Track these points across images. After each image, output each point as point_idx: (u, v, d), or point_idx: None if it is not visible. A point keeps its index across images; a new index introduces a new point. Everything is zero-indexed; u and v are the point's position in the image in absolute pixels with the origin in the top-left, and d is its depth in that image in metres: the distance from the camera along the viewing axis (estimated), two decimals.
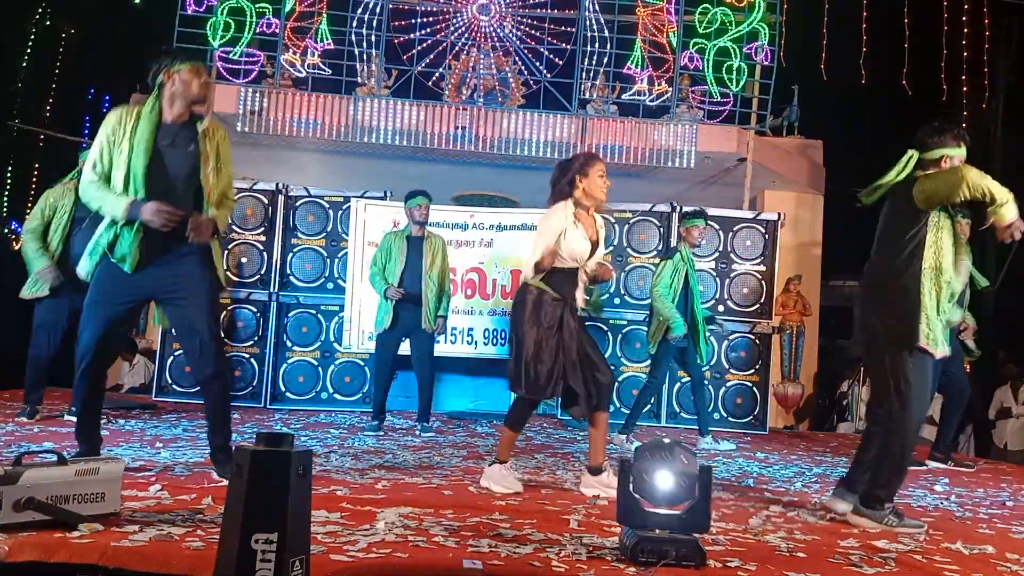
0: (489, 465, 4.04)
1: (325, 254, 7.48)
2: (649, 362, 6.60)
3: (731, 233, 7.76)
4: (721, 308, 7.63)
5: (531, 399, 4.01)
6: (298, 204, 7.51)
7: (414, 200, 6.15)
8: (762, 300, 7.74)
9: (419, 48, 11.11)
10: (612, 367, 7.41)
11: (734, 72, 10.86)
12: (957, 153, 3.76)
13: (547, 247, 3.92)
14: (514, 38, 11.44)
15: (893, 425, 3.67)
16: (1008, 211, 3.50)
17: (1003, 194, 3.51)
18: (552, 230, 3.96)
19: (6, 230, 13.71)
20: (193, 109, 3.62)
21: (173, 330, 3.90)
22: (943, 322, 3.67)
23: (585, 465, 4.20)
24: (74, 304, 5.34)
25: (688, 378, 6.73)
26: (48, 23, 13.83)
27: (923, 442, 8.37)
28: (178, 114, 3.58)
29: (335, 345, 7.37)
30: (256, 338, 7.32)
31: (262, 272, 7.38)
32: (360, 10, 10.91)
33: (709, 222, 7.40)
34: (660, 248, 7.69)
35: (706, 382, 6.64)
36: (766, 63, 11.02)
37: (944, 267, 3.65)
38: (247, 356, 7.30)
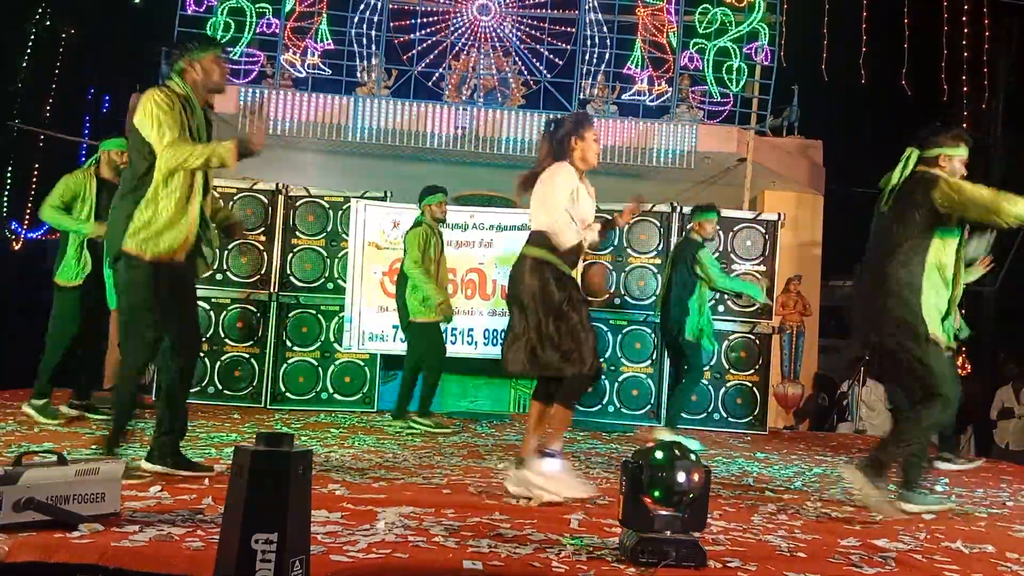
0: (542, 457, 3.66)
1: (325, 254, 7.47)
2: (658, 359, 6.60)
3: (731, 233, 7.75)
4: (721, 308, 7.62)
5: (591, 377, 3.76)
6: (298, 204, 7.51)
7: (435, 197, 6.15)
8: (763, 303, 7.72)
9: (419, 48, 11.12)
10: (612, 367, 7.52)
11: (734, 72, 10.87)
12: (956, 153, 3.79)
13: (582, 221, 3.71)
14: (514, 38, 11.44)
15: (917, 412, 3.74)
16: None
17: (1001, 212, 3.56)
18: (566, 187, 3.69)
19: (6, 230, 13.71)
20: (208, 97, 3.69)
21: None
22: (946, 318, 3.69)
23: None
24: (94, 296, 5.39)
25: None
26: (48, 23, 13.84)
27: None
28: (200, 102, 3.67)
29: (335, 345, 7.36)
30: (256, 338, 7.32)
31: (262, 272, 7.37)
32: (360, 10, 10.92)
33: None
34: (660, 248, 7.68)
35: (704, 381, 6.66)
36: (766, 63, 11.03)
37: (946, 263, 3.68)
38: (247, 356, 7.29)
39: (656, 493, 2.66)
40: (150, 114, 3.53)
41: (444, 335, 6.48)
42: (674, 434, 6.08)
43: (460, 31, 11.46)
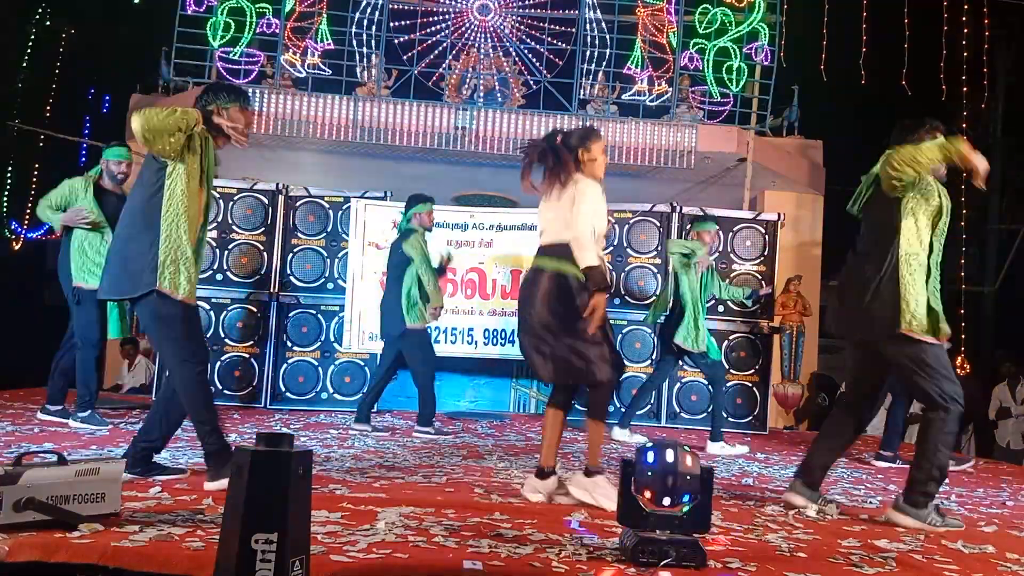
0: (588, 475, 3.68)
1: (325, 254, 7.47)
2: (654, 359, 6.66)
3: (731, 233, 7.75)
4: (721, 308, 7.62)
5: (614, 383, 3.76)
6: (298, 204, 7.51)
7: (424, 205, 6.11)
8: (762, 300, 7.72)
9: (419, 48, 11.12)
10: None
11: (734, 72, 10.88)
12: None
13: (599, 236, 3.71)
14: (514, 38, 11.44)
15: (931, 417, 3.67)
16: (958, 152, 3.55)
17: (940, 150, 3.55)
18: (601, 206, 3.71)
19: (6, 230, 13.71)
20: (226, 141, 3.72)
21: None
22: (934, 307, 3.66)
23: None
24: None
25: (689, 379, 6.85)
26: (48, 23, 13.84)
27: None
28: (216, 146, 3.72)
29: (335, 345, 7.36)
30: (256, 338, 7.32)
31: (262, 272, 7.37)
32: (360, 10, 10.93)
33: None
34: (660, 248, 7.68)
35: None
36: (766, 63, 11.04)
37: (919, 251, 3.66)
38: (247, 356, 7.30)
39: (651, 491, 2.67)
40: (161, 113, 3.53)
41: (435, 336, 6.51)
42: (631, 433, 6.25)
43: (460, 31, 11.46)
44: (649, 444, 2.76)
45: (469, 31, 11.48)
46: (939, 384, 3.64)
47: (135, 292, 3.56)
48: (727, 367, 7.63)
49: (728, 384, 7.65)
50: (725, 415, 7.56)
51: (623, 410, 6.60)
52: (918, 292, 3.64)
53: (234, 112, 3.69)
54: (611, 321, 7.49)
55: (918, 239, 3.67)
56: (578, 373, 3.68)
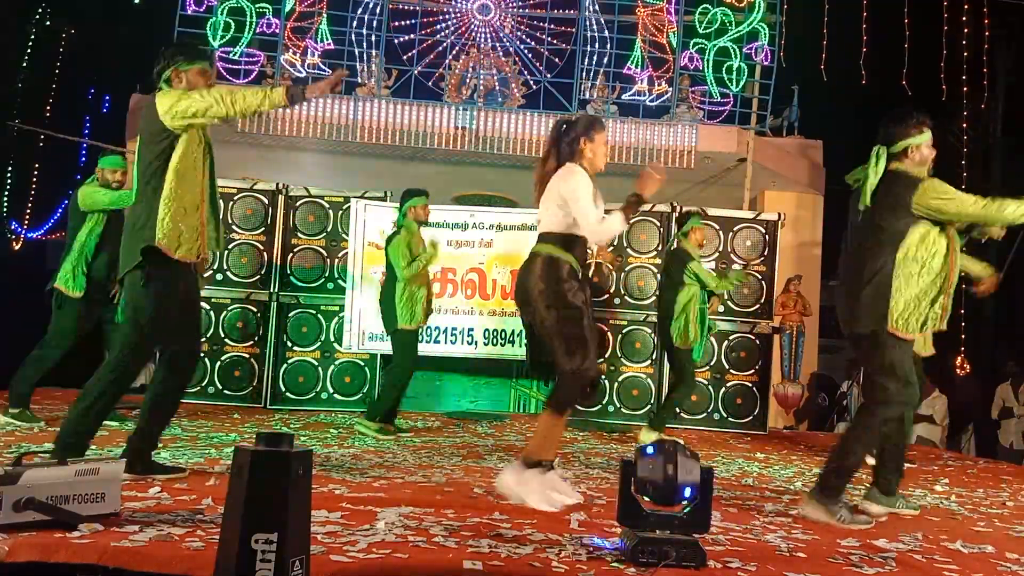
0: (529, 467, 3.57)
1: (325, 254, 7.47)
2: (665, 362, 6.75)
3: (731, 233, 7.75)
4: (721, 308, 7.62)
5: (592, 378, 3.66)
6: (298, 204, 7.51)
7: (419, 199, 6.08)
8: (762, 300, 7.73)
9: (419, 48, 11.12)
10: (612, 367, 7.52)
11: (734, 72, 10.88)
12: (922, 139, 3.77)
13: (602, 216, 3.66)
14: (514, 38, 11.44)
15: (864, 408, 3.74)
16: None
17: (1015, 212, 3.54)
18: (588, 189, 3.66)
19: (6, 230, 13.71)
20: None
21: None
22: (926, 311, 3.66)
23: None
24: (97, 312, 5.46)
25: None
26: (48, 23, 13.84)
27: (923, 441, 8.38)
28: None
29: (335, 345, 7.36)
30: (256, 338, 7.32)
31: (262, 272, 7.37)
32: (360, 10, 10.93)
33: (709, 222, 7.45)
34: (660, 248, 7.69)
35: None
36: (766, 63, 11.04)
37: (921, 256, 3.66)
38: (247, 356, 7.29)
39: (650, 491, 2.66)
40: (177, 94, 3.57)
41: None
42: (661, 435, 6.19)
43: (460, 31, 11.46)
44: (652, 445, 2.76)
45: (469, 31, 11.49)
46: (891, 383, 3.67)
47: (139, 254, 3.55)
48: (727, 367, 7.65)
49: (728, 384, 7.66)
50: (725, 415, 7.61)
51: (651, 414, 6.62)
52: (911, 295, 3.64)
53: (192, 75, 3.66)
54: (611, 321, 7.57)
55: (924, 244, 3.67)
56: (558, 355, 3.61)
